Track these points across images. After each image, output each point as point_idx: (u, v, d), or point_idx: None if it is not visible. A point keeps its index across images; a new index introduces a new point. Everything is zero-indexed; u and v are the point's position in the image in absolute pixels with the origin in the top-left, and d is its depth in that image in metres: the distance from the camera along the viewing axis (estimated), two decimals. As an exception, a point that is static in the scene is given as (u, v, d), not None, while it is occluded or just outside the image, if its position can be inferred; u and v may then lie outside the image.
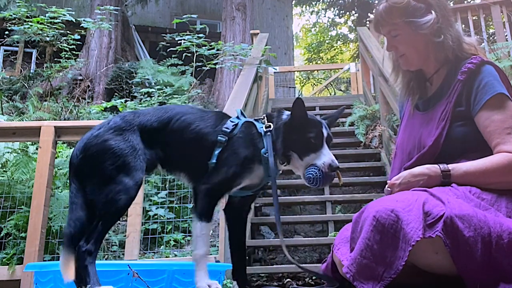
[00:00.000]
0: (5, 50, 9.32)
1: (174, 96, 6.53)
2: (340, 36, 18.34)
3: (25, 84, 7.77)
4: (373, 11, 1.81)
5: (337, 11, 16.31)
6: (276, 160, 1.54)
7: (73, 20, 6.38)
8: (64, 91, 7.90)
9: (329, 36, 18.74)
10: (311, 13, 18.77)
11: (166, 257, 3.53)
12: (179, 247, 3.76)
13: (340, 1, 15.26)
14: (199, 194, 1.53)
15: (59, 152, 4.56)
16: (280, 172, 1.64)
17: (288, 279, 3.71)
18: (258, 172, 1.56)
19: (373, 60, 5.58)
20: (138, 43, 10.12)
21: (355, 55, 15.61)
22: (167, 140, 1.60)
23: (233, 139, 1.56)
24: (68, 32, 6.55)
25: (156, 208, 3.96)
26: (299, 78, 17.75)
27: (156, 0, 11.27)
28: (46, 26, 6.14)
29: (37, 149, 3.61)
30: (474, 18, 6.05)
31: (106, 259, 3.55)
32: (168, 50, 7.06)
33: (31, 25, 6.15)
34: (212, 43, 6.25)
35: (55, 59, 7.17)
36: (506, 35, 5.86)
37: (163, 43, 7.30)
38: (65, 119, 6.31)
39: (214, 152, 1.54)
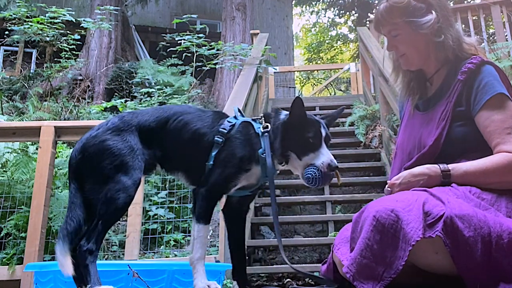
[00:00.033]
0: (5, 50, 9.32)
1: (174, 96, 6.53)
2: (340, 36, 18.34)
3: (25, 84, 7.78)
4: (373, 11, 1.81)
5: (337, 11, 16.31)
6: (274, 160, 1.54)
7: (73, 20, 6.38)
8: (64, 91, 7.90)
9: (329, 36, 18.74)
10: (311, 13, 18.78)
11: (166, 257, 3.53)
12: (179, 247, 3.76)
13: (340, 1, 15.26)
14: (198, 197, 1.54)
15: (59, 152, 4.56)
16: (278, 172, 1.63)
17: (288, 279, 3.71)
18: (255, 172, 1.55)
19: (373, 60, 5.58)
20: (138, 43, 10.12)
21: (355, 55, 15.62)
22: (165, 140, 1.61)
23: (230, 140, 1.56)
24: (68, 32, 6.55)
25: (156, 208, 3.96)
26: (299, 78, 17.76)
27: (156, 0, 11.27)
28: (46, 26, 6.14)
29: (37, 149, 3.61)
30: (474, 18, 6.05)
31: (106, 259, 3.55)
32: (168, 50, 7.07)
33: (31, 25, 6.15)
34: (212, 43, 6.25)
35: (55, 59, 7.17)
36: (506, 35, 5.87)
37: (163, 43, 7.30)
38: (65, 119, 6.31)
39: (211, 153, 1.54)
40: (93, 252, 1.41)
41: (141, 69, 8.08)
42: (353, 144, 5.69)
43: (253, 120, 1.63)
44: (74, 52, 6.88)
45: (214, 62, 6.31)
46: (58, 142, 3.65)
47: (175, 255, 3.59)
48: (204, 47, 6.15)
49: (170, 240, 3.80)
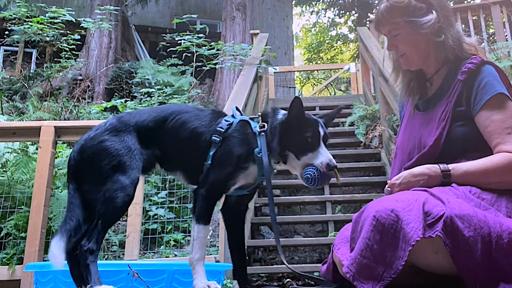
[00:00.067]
0: (5, 50, 9.32)
1: (174, 96, 6.53)
2: (340, 36, 18.34)
3: (25, 84, 7.78)
4: (373, 11, 1.81)
5: (337, 11, 16.32)
6: (271, 159, 1.54)
7: (73, 20, 6.38)
8: (64, 91, 7.90)
9: (329, 36, 18.74)
10: (311, 13, 18.78)
11: (166, 257, 3.53)
12: (179, 247, 3.76)
13: (340, 1, 15.27)
14: (198, 197, 1.54)
15: (59, 152, 4.56)
16: (275, 171, 1.63)
17: (288, 279, 3.71)
18: (252, 172, 1.55)
19: (373, 60, 5.58)
20: (138, 43, 10.13)
21: (355, 55, 15.62)
22: (163, 139, 1.61)
23: (228, 139, 1.55)
24: (68, 32, 6.55)
25: (156, 208, 3.96)
26: (299, 78, 17.76)
27: (156, 0, 11.27)
28: (46, 26, 6.14)
29: (37, 149, 3.61)
30: (474, 18, 6.05)
31: (106, 259, 3.55)
32: (168, 50, 7.07)
33: (31, 25, 6.15)
34: (212, 43, 6.25)
35: (55, 59, 7.17)
36: (506, 35, 5.87)
37: (163, 43, 7.30)
38: (65, 119, 6.31)
39: (209, 153, 1.54)
40: (94, 252, 1.42)
41: (141, 69, 8.08)
42: (353, 144, 5.69)
43: (250, 119, 1.63)
44: (74, 52, 6.88)
45: (214, 62, 6.31)
46: (58, 142, 3.65)
47: (175, 255, 3.59)
48: (204, 47, 6.15)
49: (170, 240, 3.80)
